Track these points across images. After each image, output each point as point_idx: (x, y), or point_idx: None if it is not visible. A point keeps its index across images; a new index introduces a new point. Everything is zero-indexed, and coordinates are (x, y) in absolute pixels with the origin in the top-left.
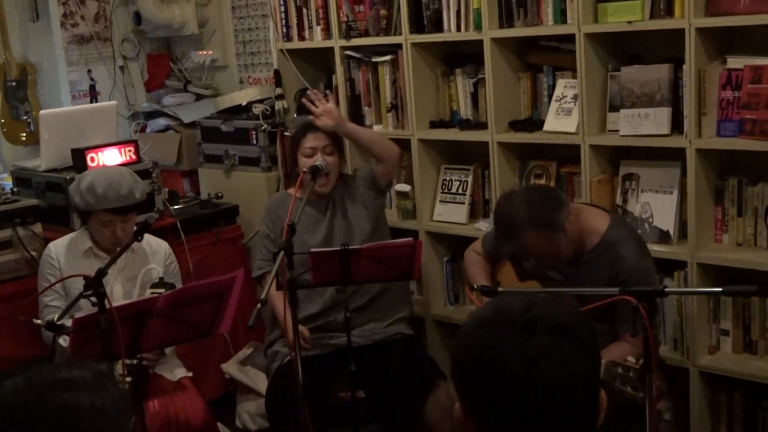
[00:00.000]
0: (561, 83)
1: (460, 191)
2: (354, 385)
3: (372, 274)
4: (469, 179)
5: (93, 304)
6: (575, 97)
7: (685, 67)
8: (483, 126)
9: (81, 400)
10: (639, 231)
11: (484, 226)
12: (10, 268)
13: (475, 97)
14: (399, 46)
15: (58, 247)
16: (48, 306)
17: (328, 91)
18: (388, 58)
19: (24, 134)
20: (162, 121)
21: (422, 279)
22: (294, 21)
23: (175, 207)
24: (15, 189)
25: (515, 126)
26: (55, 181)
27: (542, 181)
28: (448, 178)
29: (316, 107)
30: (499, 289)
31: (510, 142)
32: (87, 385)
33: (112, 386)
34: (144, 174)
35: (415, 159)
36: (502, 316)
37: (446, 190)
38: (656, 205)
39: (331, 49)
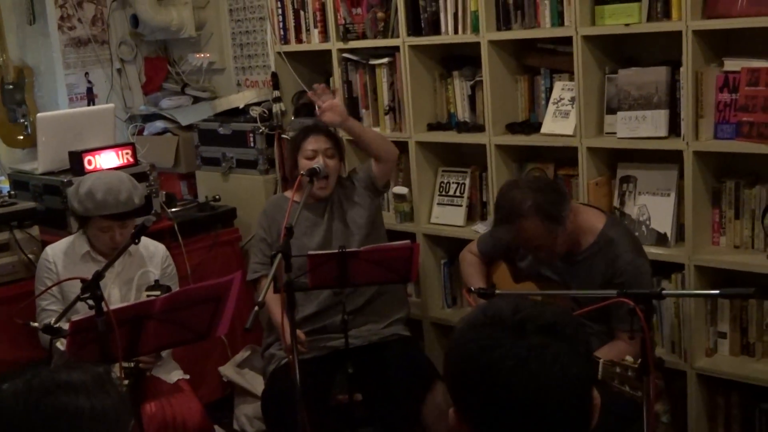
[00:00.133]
0: (558, 86)
1: (457, 194)
2: (351, 387)
3: (369, 276)
4: (467, 182)
5: (90, 307)
6: (572, 99)
7: (682, 69)
8: (480, 128)
9: (80, 403)
10: (636, 233)
11: (482, 228)
12: (7, 271)
13: (472, 100)
14: (396, 48)
15: (55, 250)
16: (45, 309)
17: (334, 87)
18: (385, 60)
19: (21, 137)
20: (159, 124)
21: (420, 281)
22: (291, 24)
23: (173, 210)
24: (12, 192)
25: (513, 128)
26: (52, 184)
27: None
28: (445, 181)
29: (322, 102)
30: (497, 291)
31: (507, 145)
32: (86, 388)
33: (111, 389)
34: (141, 177)
35: (412, 161)
36: (491, 318)
37: (444, 193)
38: (653, 208)
39: (328, 52)
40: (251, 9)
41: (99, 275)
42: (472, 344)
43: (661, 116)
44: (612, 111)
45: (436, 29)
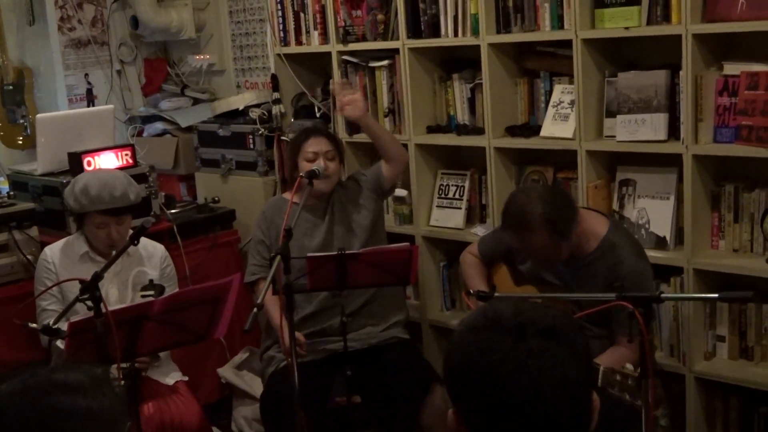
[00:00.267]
0: (558, 89)
1: (456, 196)
2: (350, 390)
3: (368, 278)
4: (466, 184)
5: (89, 308)
6: (572, 102)
7: (681, 73)
8: (480, 131)
9: (77, 403)
10: (635, 236)
11: (481, 231)
12: (7, 271)
13: (472, 103)
14: (396, 51)
15: (54, 250)
16: (45, 310)
17: (357, 84)
18: (385, 63)
19: (21, 138)
20: (159, 125)
21: (419, 284)
22: (291, 26)
23: (172, 211)
24: (11, 193)
25: (512, 131)
26: (51, 185)
27: None
28: (445, 183)
29: (343, 96)
30: (496, 294)
31: (507, 148)
32: (84, 388)
33: (108, 390)
34: (141, 178)
35: (412, 164)
36: (492, 321)
37: (443, 195)
38: (653, 211)
39: (328, 54)
40: (251, 11)
41: (98, 276)
42: (471, 347)
43: (661, 120)
44: (611, 114)
45: (435, 32)
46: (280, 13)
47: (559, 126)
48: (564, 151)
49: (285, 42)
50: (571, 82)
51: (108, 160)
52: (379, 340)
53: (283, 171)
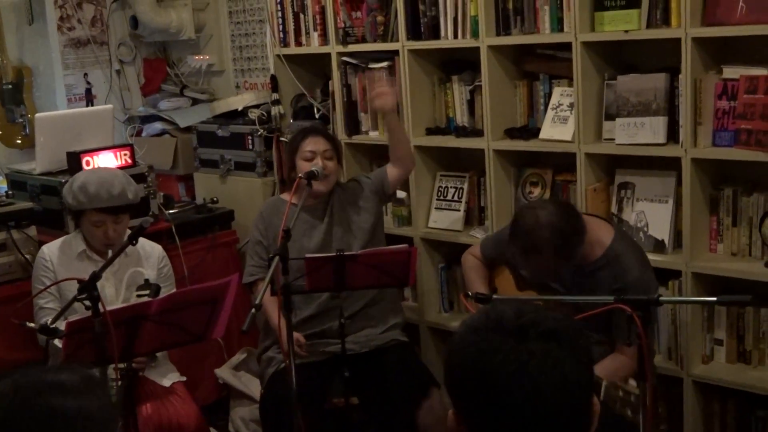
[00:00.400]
0: (557, 91)
1: (455, 198)
2: (348, 392)
3: (367, 280)
4: (465, 186)
5: (87, 308)
6: (571, 105)
7: (681, 76)
8: (479, 133)
9: (68, 404)
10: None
11: (480, 233)
12: (5, 270)
13: (471, 105)
14: (396, 52)
15: (51, 249)
16: (43, 308)
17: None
18: (384, 64)
19: (19, 137)
20: (158, 126)
21: (417, 286)
22: (291, 26)
23: (170, 211)
24: (10, 192)
25: (511, 133)
26: (50, 185)
27: (537, 189)
28: (443, 185)
29: (377, 86)
30: (494, 296)
31: (506, 150)
32: (75, 389)
33: (100, 391)
34: (139, 178)
35: None
36: (494, 322)
37: (442, 197)
38: (651, 214)
39: (327, 55)
40: (251, 11)
41: (96, 276)
42: (472, 347)
43: (660, 123)
44: (610, 117)
45: (435, 34)
46: (279, 14)
47: (558, 128)
48: (563, 153)
49: (284, 43)
50: (570, 85)
51: (107, 160)
52: (377, 342)
53: (282, 172)
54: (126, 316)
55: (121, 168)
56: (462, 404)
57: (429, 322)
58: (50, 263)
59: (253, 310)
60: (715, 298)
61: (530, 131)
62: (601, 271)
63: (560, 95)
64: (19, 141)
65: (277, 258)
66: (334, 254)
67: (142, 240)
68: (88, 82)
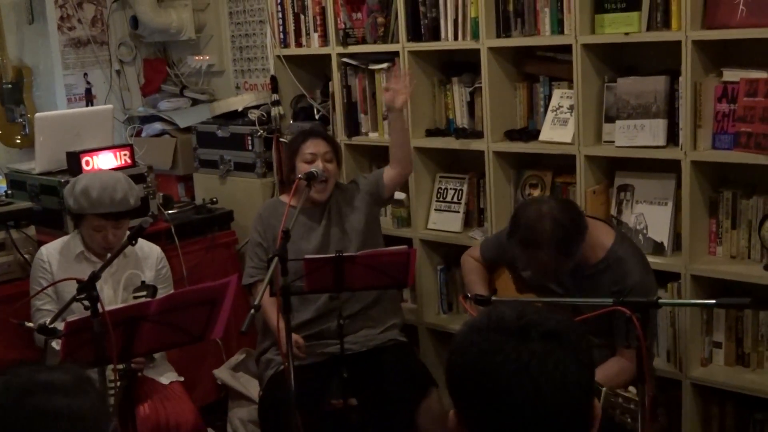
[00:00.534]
0: (557, 93)
1: (455, 200)
2: (346, 393)
3: (366, 281)
4: (465, 188)
5: (86, 308)
6: (571, 107)
7: (681, 79)
8: (479, 135)
9: (59, 403)
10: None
11: (479, 235)
12: (3, 270)
13: (471, 106)
14: (396, 53)
15: (50, 250)
16: (40, 309)
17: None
18: (384, 65)
19: (19, 137)
20: (158, 126)
21: (416, 287)
22: (291, 27)
23: (170, 212)
24: (9, 191)
25: (511, 135)
26: (49, 185)
27: (537, 191)
28: (443, 187)
29: (393, 82)
30: (493, 298)
31: (506, 152)
32: (66, 388)
33: (91, 390)
34: (139, 178)
35: None
36: (495, 323)
37: (441, 199)
38: (651, 217)
39: (328, 56)
40: (251, 12)
41: (95, 276)
42: (474, 347)
43: (660, 125)
44: (610, 119)
45: (435, 35)
46: (280, 15)
47: (558, 131)
48: (563, 155)
49: (285, 44)
50: (570, 87)
51: (106, 160)
52: (376, 342)
53: (281, 173)
54: (125, 316)
55: (121, 168)
56: (463, 404)
57: (428, 323)
58: (48, 264)
59: (252, 311)
60: (714, 301)
61: (530, 133)
62: (602, 274)
63: (560, 97)
64: (18, 141)
65: (276, 259)
66: (333, 255)
67: (140, 241)
68: (88, 82)
